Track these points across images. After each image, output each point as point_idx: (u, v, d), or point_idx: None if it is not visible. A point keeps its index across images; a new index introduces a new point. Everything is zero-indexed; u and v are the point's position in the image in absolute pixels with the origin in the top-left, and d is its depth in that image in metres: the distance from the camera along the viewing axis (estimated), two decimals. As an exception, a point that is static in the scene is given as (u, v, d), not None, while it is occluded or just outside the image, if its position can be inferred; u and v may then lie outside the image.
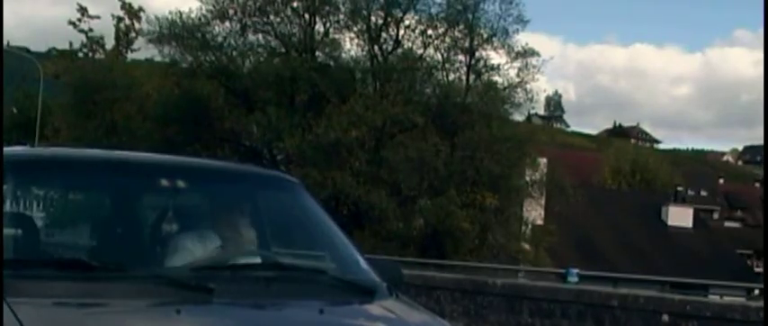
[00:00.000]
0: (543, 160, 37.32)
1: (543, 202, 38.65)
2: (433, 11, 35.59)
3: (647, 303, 10.65)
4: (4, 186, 3.94)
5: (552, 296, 11.77)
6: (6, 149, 4.08)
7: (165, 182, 4.39)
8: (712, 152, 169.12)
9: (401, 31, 35.48)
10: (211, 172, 4.89)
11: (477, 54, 35.80)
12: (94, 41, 42.42)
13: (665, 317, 10.51)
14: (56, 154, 4.69)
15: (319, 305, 3.74)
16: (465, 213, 32.06)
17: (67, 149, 5.13)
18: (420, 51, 35.71)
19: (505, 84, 36.12)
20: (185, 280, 3.67)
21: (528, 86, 36.13)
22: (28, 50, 50.01)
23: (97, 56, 42.82)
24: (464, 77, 36.00)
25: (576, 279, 21.18)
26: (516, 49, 35.57)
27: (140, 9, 42.16)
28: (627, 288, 13.58)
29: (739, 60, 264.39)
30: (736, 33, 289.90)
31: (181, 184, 4.39)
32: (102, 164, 4.54)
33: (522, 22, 35.44)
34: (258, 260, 4.21)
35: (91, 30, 42.31)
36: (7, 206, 4.04)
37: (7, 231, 3.89)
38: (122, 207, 4.54)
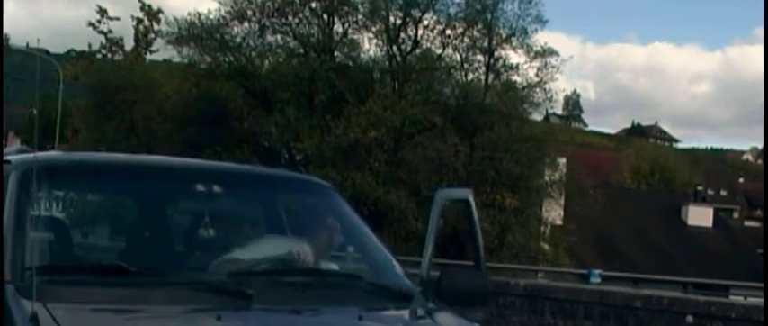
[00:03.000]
0: (562, 160, 37.23)
1: (562, 202, 38.60)
2: (452, 11, 35.60)
3: (672, 304, 10.61)
4: (40, 193, 3.93)
5: (575, 297, 11.74)
6: (41, 154, 4.07)
7: (200, 187, 4.38)
8: (732, 151, 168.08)
9: (420, 31, 35.47)
10: (244, 176, 4.86)
11: (495, 54, 35.72)
12: (114, 43, 42.55)
13: (690, 318, 10.46)
14: (91, 159, 4.70)
15: (357, 311, 3.72)
16: (485, 214, 31.96)
17: (101, 154, 5.12)
18: (439, 51, 35.71)
19: (524, 83, 36.10)
20: (224, 285, 3.65)
21: (547, 86, 36.14)
22: (47, 52, 50.20)
23: (116, 57, 42.96)
24: (483, 77, 35.94)
25: (598, 280, 21.12)
26: (535, 49, 35.50)
27: (159, 10, 42.29)
28: (649, 289, 13.50)
29: (759, 58, 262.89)
30: (756, 31, 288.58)
31: (216, 189, 4.38)
32: (137, 169, 4.54)
33: (541, 21, 35.40)
34: (295, 265, 4.18)
35: (110, 31, 42.48)
36: (43, 211, 4.02)
37: (44, 236, 3.88)
38: (158, 212, 4.54)
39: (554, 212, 38.10)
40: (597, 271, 22.78)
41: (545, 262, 34.35)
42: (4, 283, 3.42)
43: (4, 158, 4.07)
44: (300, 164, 33.96)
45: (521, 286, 12.58)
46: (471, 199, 4.50)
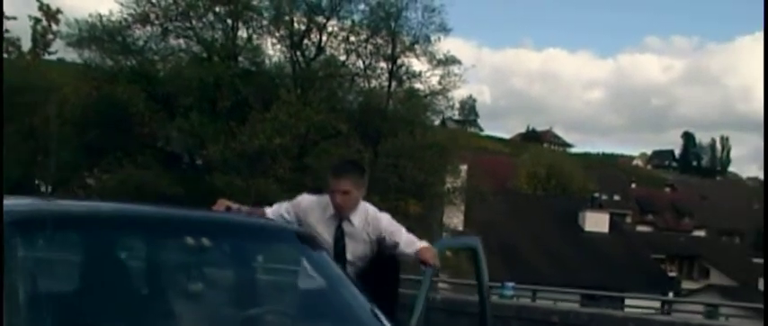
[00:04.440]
0: (464, 167, 37.55)
1: (463, 208, 38.92)
2: (356, 18, 35.69)
3: (591, 321, 10.83)
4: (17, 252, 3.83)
5: (494, 312, 11.85)
6: (8, 202, 3.96)
7: (190, 240, 4.33)
8: (623, 156, 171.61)
9: (324, 38, 35.47)
10: (229, 227, 4.80)
11: (399, 61, 35.91)
12: (10, 43, 41.51)
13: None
14: (71, 210, 4.53)
15: None
16: (389, 222, 32.08)
17: (77, 202, 4.93)
18: (342, 58, 35.78)
19: (427, 91, 36.37)
20: None
21: (449, 94, 36.53)
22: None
23: (12, 57, 41.94)
24: (386, 84, 36.10)
25: (511, 293, 21.32)
26: (438, 57, 35.76)
27: (58, 10, 41.41)
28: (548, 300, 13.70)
29: (649, 66, 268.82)
30: (647, 40, 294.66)
31: (206, 242, 4.33)
32: (121, 220, 4.43)
33: (444, 30, 35.65)
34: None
35: (7, 31, 41.41)
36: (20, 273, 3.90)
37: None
38: (145, 268, 4.45)
39: (455, 219, 38.40)
40: (510, 283, 22.94)
41: (447, 269, 34.61)
42: None
43: None
44: (203, 170, 33.69)
45: (438, 300, 12.67)
46: (480, 248, 4.58)
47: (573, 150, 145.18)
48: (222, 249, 4.66)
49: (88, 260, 4.24)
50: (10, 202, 3.93)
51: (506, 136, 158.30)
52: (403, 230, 5.86)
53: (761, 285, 49.02)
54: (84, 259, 4.26)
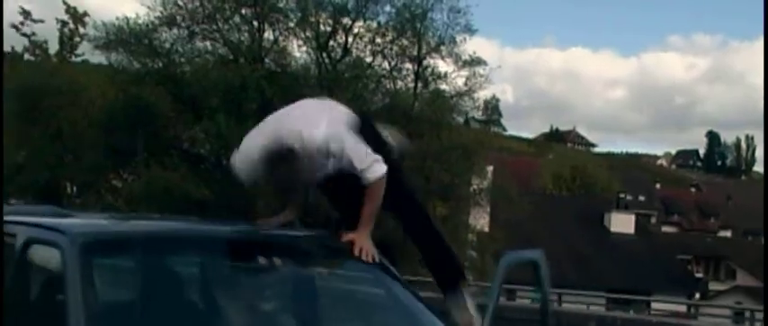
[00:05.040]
0: (490, 168, 37.49)
1: (489, 209, 38.82)
2: (382, 19, 35.67)
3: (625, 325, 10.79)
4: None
5: (529, 316, 11.82)
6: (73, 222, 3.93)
7: (262, 260, 4.32)
8: (646, 156, 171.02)
9: (349, 39, 35.46)
10: (291, 245, 4.76)
11: (424, 62, 35.92)
12: (37, 46, 41.74)
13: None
14: (133, 231, 4.47)
15: None
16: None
17: (137, 222, 4.82)
18: (368, 60, 35.77)
19: (453, 92, 36.37)
20: None
21: (476, 95, 36.54)
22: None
23: (39, 60, 42.12)
24: (411, 86, 36.10)
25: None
26: (463, 58, 35.74)
27: (85, 13, 41.61)
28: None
29: (672, 65, 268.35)
30: (670, 38, 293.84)
31: (277, 262, 4.31)
32: (188, 240, 4.40)
33: (469, 31, 35.62)
34: None
35: (34, 34, 41.64)
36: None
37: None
38: (210, 288, 4.43)
39: (482, 220, 38.32)
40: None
41: (473, 270, 34.56)
42: None
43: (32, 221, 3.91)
44: (229, 172, 33.68)
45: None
46: (542, 261, 4.52)
47: (596, 150, 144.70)
48: (286, 267, 4.64)
49: (151, 282, 4.20)
50: (75, 221, 3.90)
51: (530, 136, 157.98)
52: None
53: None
54: (147, 281, 4.22)
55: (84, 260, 3.72)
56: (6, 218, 4.47)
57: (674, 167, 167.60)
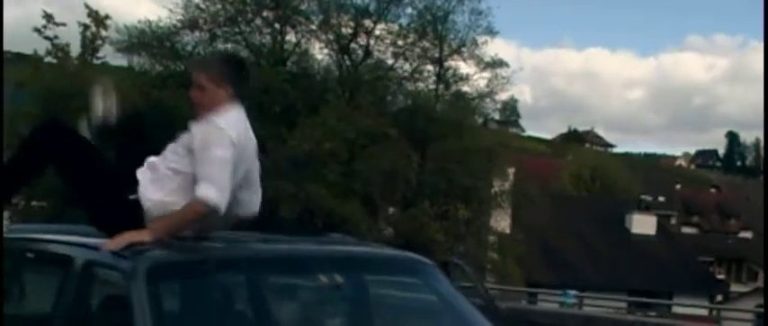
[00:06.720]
0: (511, 170, 37.46)
1: (510, 211, 38.79)
2: (403, 21, 35.67)
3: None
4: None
5: (560, 321, 11.77)
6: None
7: (323, 278, 4.32)
8: (665, 156, 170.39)
9: (371, 42, 35.46)
10: (353, 261, 4.77)
11: (445, 64, 35.93)
12: (59, 49, 41.74)
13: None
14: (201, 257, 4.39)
15: None
16: (439, 225, 32.06)
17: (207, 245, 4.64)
18: (390, 62, 35.79)
19: (474, 94, 36.40)
20: None
21: (497, 97, 36.59)
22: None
23: (61, 62, 42.11)
24: (433, 88, 36.12)
25: (573, 300, 21.26)
26: (485, 60, 35.76)
27: (107, 16, 41.58)
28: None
29: (691, 65, 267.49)
30: (689, 39, 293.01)
31: (338, 279, 4.32)
32: (252, 262, 4.40)
33: (491, 32, 35.67)
34: None
35: (56, 37, 41.63)
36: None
37: None
38: (271, 308, 4.42)
39: (503, 222, 38.29)
40: (572, 291, 22.89)
41: (495, 272, 34.55)
42: None
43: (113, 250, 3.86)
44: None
45: (502, 309, 12.59)
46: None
47: (615, 150, 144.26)
48: (353, 285, 4.64)
49: (223, 305, 4.20)
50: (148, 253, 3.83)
51: (548, 136, 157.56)
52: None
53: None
54: (218, 304, 4.21)
55: (151, 286, 3.71)
56: (52, 236, 4.48)
57: (693, 167, 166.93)
